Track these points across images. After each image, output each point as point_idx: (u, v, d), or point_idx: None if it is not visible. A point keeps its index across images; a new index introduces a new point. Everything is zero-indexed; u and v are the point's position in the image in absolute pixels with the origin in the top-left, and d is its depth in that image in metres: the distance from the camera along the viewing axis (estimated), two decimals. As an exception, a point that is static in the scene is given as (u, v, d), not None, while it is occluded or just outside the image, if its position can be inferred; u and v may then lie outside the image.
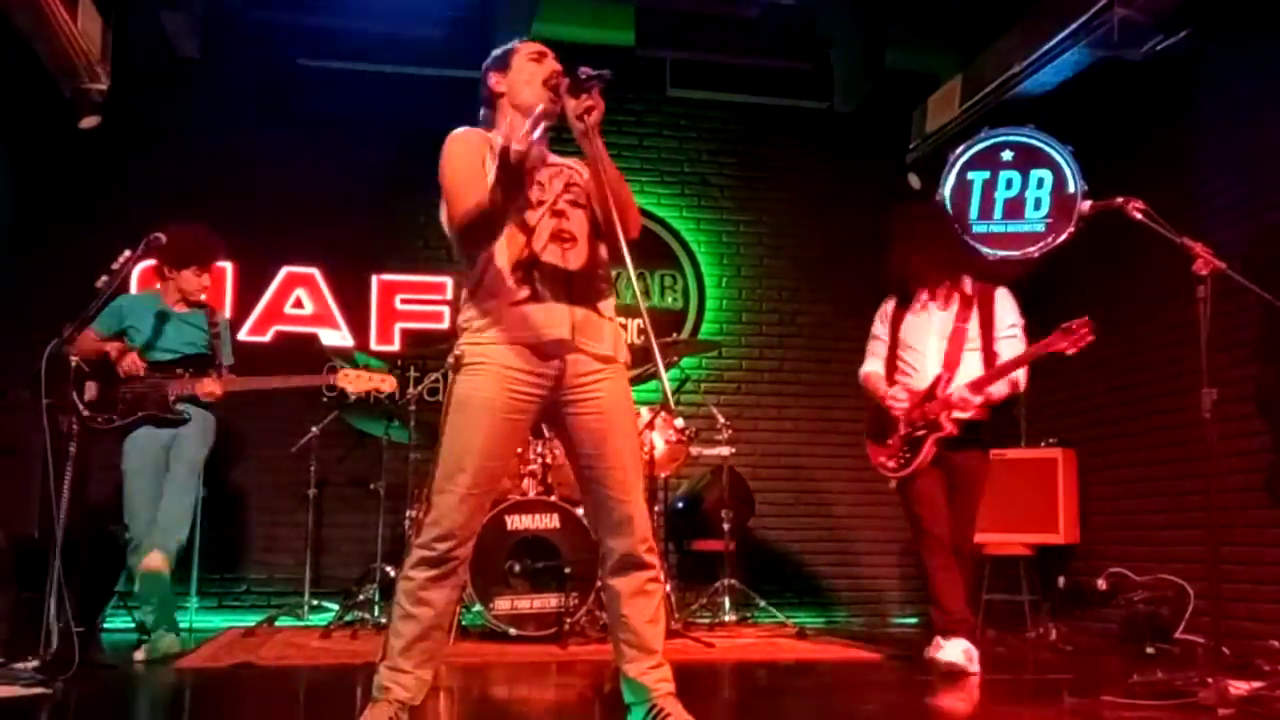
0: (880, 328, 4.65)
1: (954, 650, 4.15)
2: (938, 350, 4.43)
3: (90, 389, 4.66)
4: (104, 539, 5.43)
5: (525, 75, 2.92)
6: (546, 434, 5.54)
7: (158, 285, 4.99)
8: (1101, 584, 5.52)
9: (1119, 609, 5.35)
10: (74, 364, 4.18)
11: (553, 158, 2.97)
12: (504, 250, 2.79)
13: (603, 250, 2.90)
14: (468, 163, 2.81)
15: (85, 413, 4.59)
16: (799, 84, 7.06)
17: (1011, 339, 4.38)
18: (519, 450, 3.59)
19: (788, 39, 6.72)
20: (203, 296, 4.91)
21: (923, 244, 4.52)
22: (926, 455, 4.33)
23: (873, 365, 4.63)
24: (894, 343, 4.54)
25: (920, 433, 4.34)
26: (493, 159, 2.71)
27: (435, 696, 3.80)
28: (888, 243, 4.64)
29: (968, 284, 4.50)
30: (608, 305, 2.88)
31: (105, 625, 5.55)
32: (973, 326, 4.43)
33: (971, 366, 4.38)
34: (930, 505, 4.36)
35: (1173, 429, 5.43)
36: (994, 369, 4.31)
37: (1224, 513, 4.49)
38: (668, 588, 5.52)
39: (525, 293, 2.76)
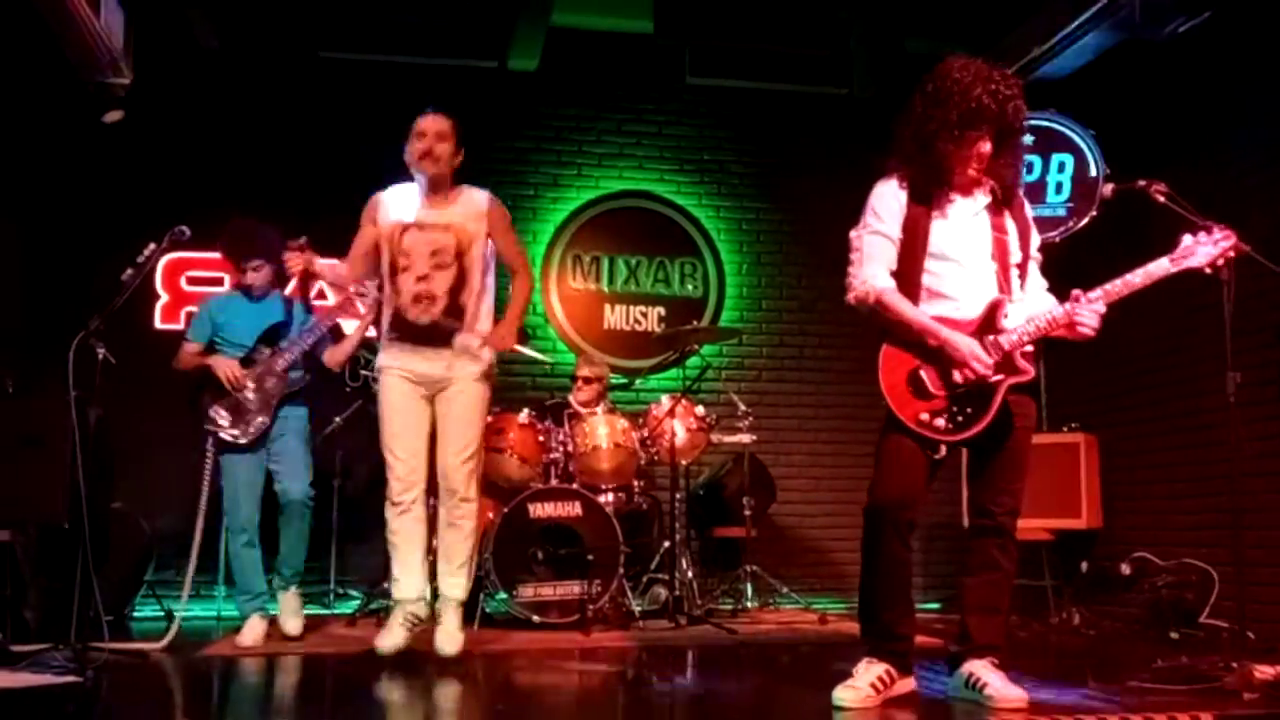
0: (889, 222, 3.34)
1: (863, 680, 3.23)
2: (987, 266, 3.31)
3: (223, 416, 4.70)
4: (132, 529, 5.51)
5: (411, 152, 4.17)
6: (566, 423, 5.58)
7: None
8: (1125, 569, 5.51)
9: (1142, 594, 5.34)
10: (100, 356, 4.22)
11: (430, 216, 4.16)
12: (387, 302, 4.21)
13: (463, 297, 4.13)
14: (359, 235, 4.28)
15: (229, 436, 4.68)
16: (818, 70, 7.02)
17: (1037, 263, 3.46)
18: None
19: (807, 25, 6.70)
20: (284, 286, 5.09)
21: (995, 110, 3.19)
22: (997, 407, 3.22)
23: (884, 278, 3.30)
24: (914, 249, 3.31)
25: (997, 377, 3.22)
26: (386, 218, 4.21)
27: (460, 682, 3.85)
28: (933, 101, 3.28)
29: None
30: (463, 338, 4.12)
31: (134, 614, 5.62)
32: (1012, 237, 3.36)
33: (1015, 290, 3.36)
34: (913, 472, 3.26)
35: (1196, 413, 5.40)
36: (1124, 279, 3.28)
37: (1248, 496, 4.47)
38: (690, 574, 5.55)
39: (395, 335, 4.17)
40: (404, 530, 4.16)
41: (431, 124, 4.17)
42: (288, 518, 4.85)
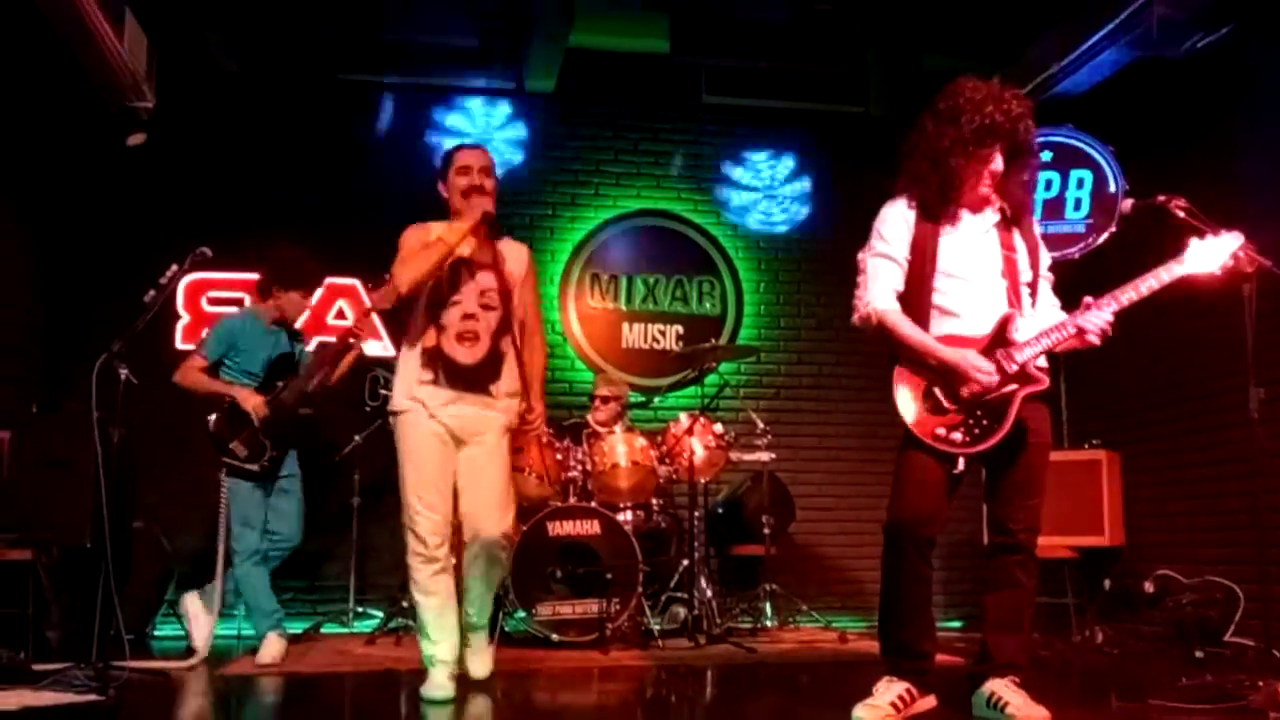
0: (895, 244, 3.34)
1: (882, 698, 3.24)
2: (997, 284, 3.33)
3: (240, 449, 4.75)
4: (153, 548, 5.53)
5: (454, 186, 3.85)
6: (585, 441, 5.59)
7: (248, 303, 5.31)
8: (1148, 586, 5.46)
9: (1166, 612, 5.28)
10: (123, 376, 4.24)
11: (478, 255, 3.84)
12: (419, 338, 3.80)
13: (504, 343, 3.84)
14: (411, 247, 3.80)
15: (252, 468, 4.74)
16: (835, 89, 7.05)
17: (1049, 281, 3.48)
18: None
19: (823, 44, 6.72)
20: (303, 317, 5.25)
21: (1007, 127, 3.25)
22: (1013, 418, 3.21)
23: (887, 299, 3.32)
24: (924, 268, 3.31)
25: (1009, 388, 3.22)
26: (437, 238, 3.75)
27: (479, 701, 3.84)
28: (943, 120, 3.29)
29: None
30: (498, 385, 3.84)
31: (155, 633, 5.64)
32: (1022, 255, 3.38)
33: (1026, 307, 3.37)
34: (932, 488, 3.27)
35: (1219, 429, 5.36)
36: (1133, 286, 3.29)
37: (1272, 513, 4.42)
38: (709, 593, 5.53)
39: (429, 376, 3.77)
40: (442, 591, 3.81)
41: (476, 158, 3.88)
42: (276, 557, 4.91)
